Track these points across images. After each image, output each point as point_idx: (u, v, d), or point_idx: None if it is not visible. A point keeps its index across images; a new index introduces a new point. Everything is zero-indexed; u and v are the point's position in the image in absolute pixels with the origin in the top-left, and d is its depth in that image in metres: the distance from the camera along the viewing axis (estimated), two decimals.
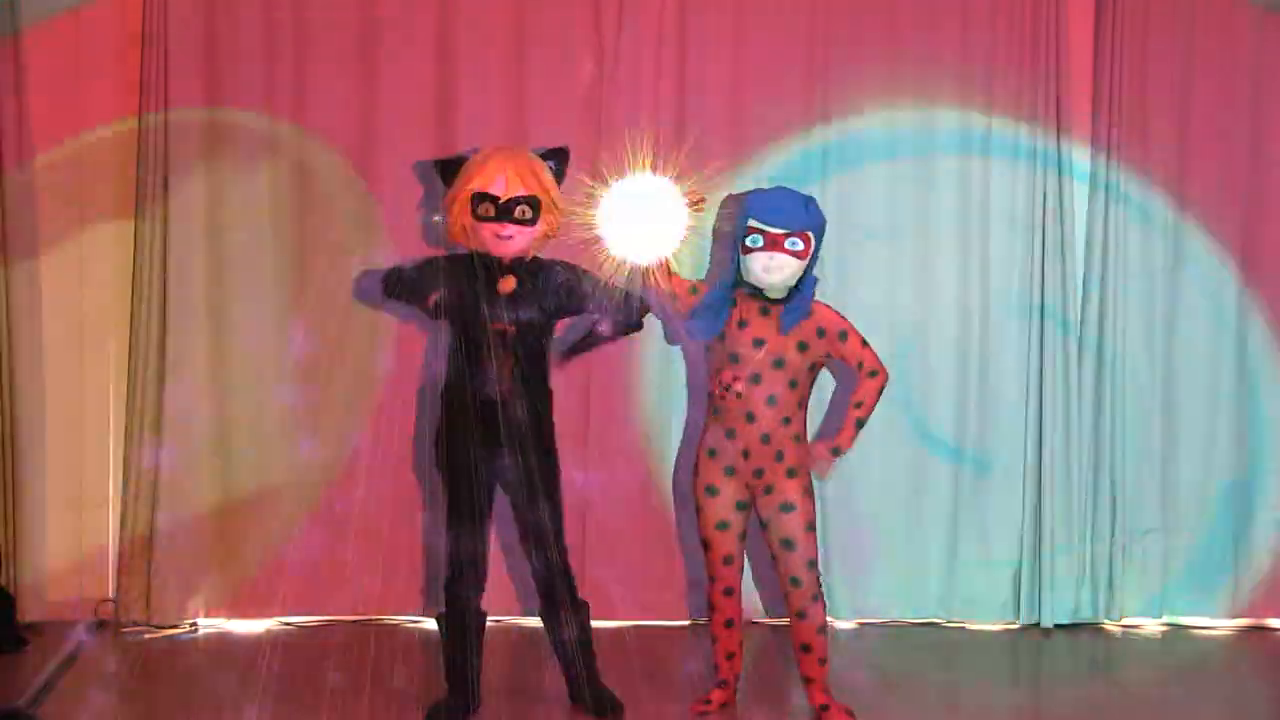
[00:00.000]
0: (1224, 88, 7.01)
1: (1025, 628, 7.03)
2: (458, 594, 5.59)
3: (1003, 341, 7.02)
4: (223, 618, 6.86)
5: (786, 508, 5.47)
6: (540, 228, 5.56)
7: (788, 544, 5.48)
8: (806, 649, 5.55)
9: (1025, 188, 6.95)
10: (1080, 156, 7.02)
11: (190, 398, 6.75)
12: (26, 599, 6.73)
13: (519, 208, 5.49)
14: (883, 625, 7.01)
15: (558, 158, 5.70)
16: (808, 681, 5.60)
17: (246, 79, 6.71)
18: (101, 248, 6.78)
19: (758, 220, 5.44)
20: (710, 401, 5.59)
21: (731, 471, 5.52)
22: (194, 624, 6.82)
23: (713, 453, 5.55)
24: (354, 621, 6.90)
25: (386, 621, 6.94)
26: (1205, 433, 7.11)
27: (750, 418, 5.46)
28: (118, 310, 6.80)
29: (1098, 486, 7.03)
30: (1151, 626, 7.10)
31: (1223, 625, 7.12)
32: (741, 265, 5.49)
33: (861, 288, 6.89)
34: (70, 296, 6.78)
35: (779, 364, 5.46)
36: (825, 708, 5.57)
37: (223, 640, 6.73)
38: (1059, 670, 6.54)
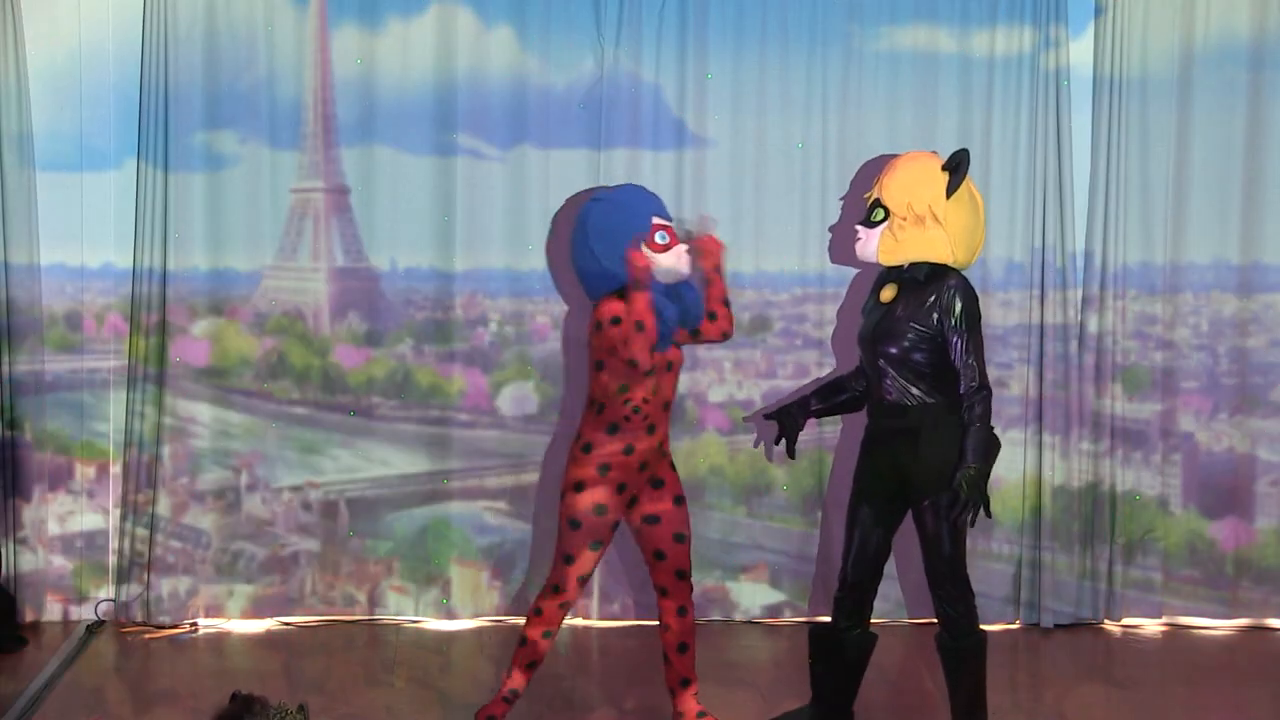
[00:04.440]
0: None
1: (1025, 628, 7.03)
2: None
3: (1004, 337, 7.02)
4: (222, 618, 6.87)
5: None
6: (892, 234, 5.23)
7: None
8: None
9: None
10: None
11: (190, 398, 6.77)
12: (26, 599, 6.74)
13: (873, 210, 5.31)
14: (883, 625, 7.00)
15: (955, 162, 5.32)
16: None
17: None
18: (100, 248, 6.81)
19: (660, 215, 5.36)
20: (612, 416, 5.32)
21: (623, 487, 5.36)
22: (194, 624, 6.83)
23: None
24: (354, 622, 6.91)
25: (387, 621, 6.94)
26: (1204, 430, 7.12)
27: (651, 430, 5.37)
28: (118, 304, 6.80)
29: (1098, 486, 7.03)
30: (1151, 626, 7.10)
31: (1223, 625, 7.12)
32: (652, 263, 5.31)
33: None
34: (70, 288, 6.79)
35: (670, 367, 5.40)
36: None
37: (223, 640, 6.73)
38: (1059, 670, 6.54)
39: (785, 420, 5.54)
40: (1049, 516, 7.01)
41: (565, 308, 6.94)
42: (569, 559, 5.32)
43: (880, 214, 5.24)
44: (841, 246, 6.73)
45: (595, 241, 5.28)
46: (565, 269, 6.46)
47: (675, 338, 5.39)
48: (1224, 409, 7.13)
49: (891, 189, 5.23)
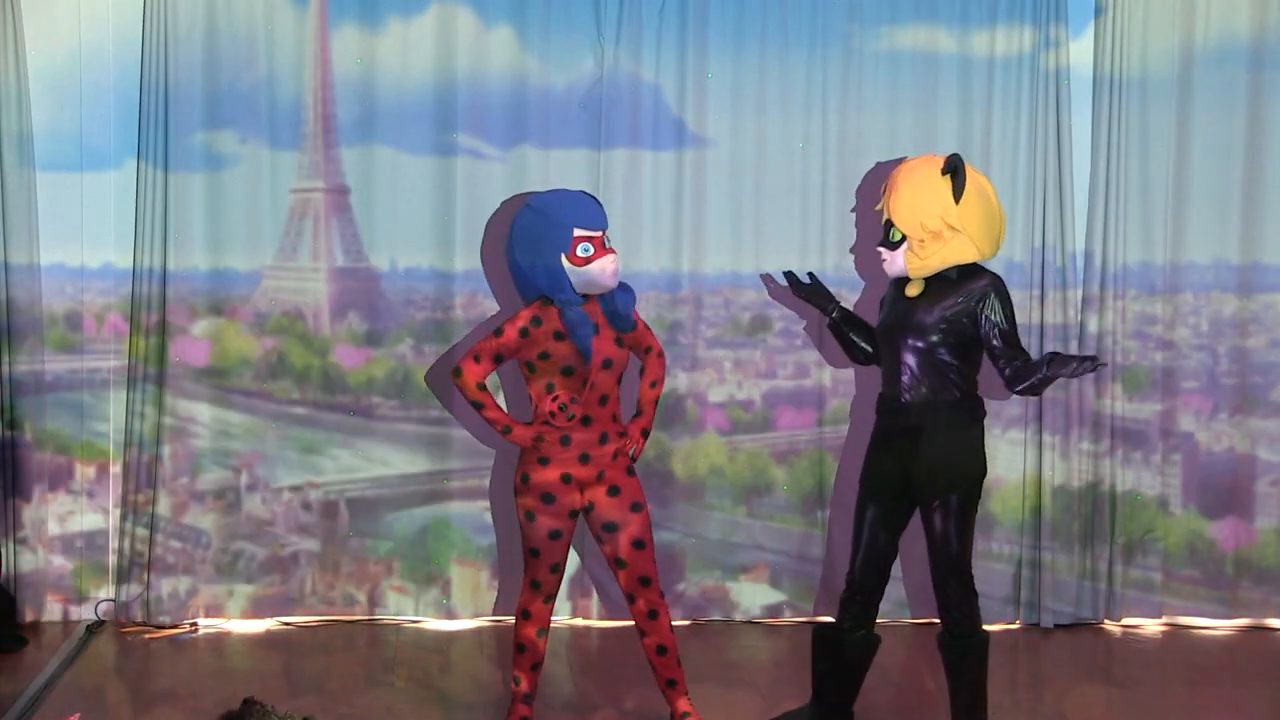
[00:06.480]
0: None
1: (1025, 628, 7.04)
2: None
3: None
4: (222, 618, 6.87)
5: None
6: (915, 253, 5.20)
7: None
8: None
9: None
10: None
11: (190, 398, 6.78)
12: (26, 599, 6.74)
13: (890, 231, 5.30)
14: (884, 625, 6.99)
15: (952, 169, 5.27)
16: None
17: None
18: (100, 248, 6.82)
19: (583, 228, 5.27)
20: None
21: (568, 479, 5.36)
22: (194, 624, 6.83)
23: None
24: (354, 622, 6.91)
25: (387, 621, 6.95)
26: (1204, 430, 7.12)
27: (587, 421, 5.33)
28: (118, 305, 6.81)
29: (1098, 486, 7.03)
30: (1151, 626, 7.11)
31: (1223, 625, 7.13)
32: (572, 275, 5.25)
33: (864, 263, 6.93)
34: (70, 288, 6.80)
35: (608, 364, 5.35)
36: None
37: (223, 640, 6.74)
38: (1059, 670, 6.54)
39: (812, 291, 5.66)
40: (1049, 516, 7.01)
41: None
42: (535, 552, 5.37)
43: (898, 234, 5.24)
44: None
45: (518, 249, 5.33)
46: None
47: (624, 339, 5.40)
48: (1224, 409, 7.13)
49: (900, 212, 5.22)
